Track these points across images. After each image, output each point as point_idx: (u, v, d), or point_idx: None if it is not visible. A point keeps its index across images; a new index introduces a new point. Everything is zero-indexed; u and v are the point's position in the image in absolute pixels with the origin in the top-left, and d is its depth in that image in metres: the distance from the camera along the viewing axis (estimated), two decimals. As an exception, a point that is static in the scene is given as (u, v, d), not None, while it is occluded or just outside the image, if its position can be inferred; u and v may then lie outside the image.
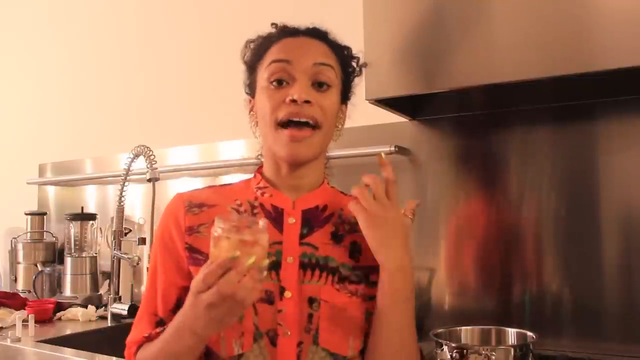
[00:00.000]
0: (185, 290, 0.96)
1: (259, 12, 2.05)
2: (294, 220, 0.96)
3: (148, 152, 1.95)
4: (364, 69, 1.06)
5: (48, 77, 2.91)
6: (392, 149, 1.66)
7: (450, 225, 1.62)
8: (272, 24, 1.02)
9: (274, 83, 0.93)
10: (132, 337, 0.98)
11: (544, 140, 1.50)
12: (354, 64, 1.04)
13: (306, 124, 0.92)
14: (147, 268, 1.97)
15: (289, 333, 0.90)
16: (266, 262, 0.79)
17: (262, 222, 0.80)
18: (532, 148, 1.51)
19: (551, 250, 1.48)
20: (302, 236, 0.96)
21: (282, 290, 0.91)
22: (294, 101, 0.90)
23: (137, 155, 2.02)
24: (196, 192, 1.02)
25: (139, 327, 0.98)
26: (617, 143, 1.42)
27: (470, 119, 1.60)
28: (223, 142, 2.14)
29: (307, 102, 0.91)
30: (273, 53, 0.96)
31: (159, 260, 0.99)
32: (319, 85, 0.94)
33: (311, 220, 0.98)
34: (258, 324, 0.90)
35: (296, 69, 0.93)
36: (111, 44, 2.63)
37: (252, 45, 1.02)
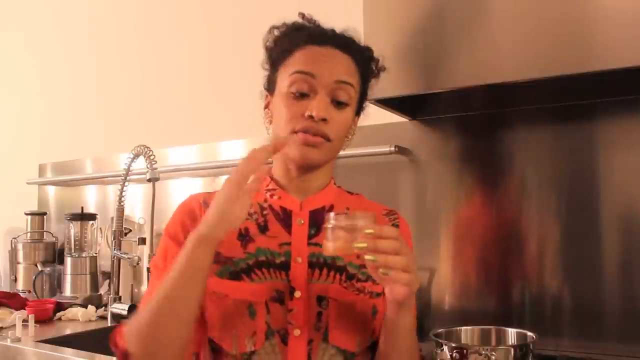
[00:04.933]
0: None
1: (259, 12, 2.05)
2: (303, 222, 0.98)
3: (148, 152, 1.95)
4: (381, 72, 1.06)
5: (48, 77, 2.91)
6: (392, 149, 1.66)
7: (450, 225, 1.62)
8: (300, 13, 1.02)
9: (295, 93, 0.94)
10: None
11: (544, 140, 1.50)
12: (373, 66, 1.04)
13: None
14: (148, 268, 1.97)
15: (300, 332, 0.91)
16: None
17: None
18: (532, 148, 1.51)
19: (551, 250, 1.48)
20: (310, 236, 0.97)
21: (291, 290, 0.93)
22: (311, 117, 0.92)
23: (137, 155, 2.02)
24: (209, 193, 1.03)
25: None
26: (617, 143, 1.42)
27: (471, 119, 1.60)
28: (223, 142, 2.14)
29: (323, 119, 0.92)
30: (298, 60, 0.96)
31: (169, 252, 0.97)
32: (338, 103, 0.95)
33: (319, 220, 0.98)
34: (270, 323, 0.91)
35: (319, 83, 0.93)
36: (111, 44, 2.63)
37: (276, 33, 1.02)
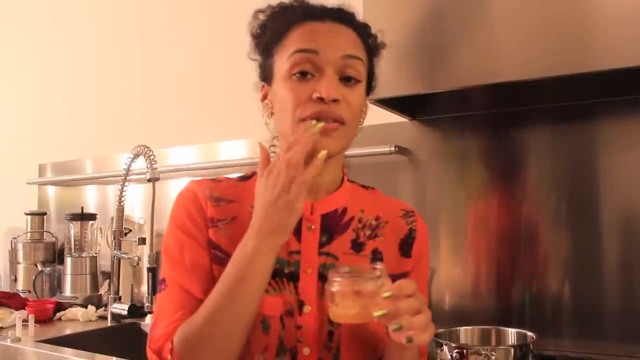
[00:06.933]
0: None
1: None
2: (313, 227, 0.89)
3: (148, 152, 1.95)
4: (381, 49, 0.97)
5: (48, 77, 2.91)
6: (392, 149, 1.66)
7: (450, 225, 1.62)
8: None
9: (297, 75, 0.84)
10: (157, 332, 0.84)
11: (544, 140, 1.50)
12: (375, 42, 0.95)
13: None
14: (148, 268, 1.96)
15: (309, 350, 0.84)
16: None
17: None
18: (532, 148, 1.51)
19: (551, 250, 1.48)
20: (321, 245, 0.89)
21: (300, 304, 0.85)
22: (320, 99, 0.82)
23: (137, 155, 2.02)
24: (213, 183, 0.93)
25: (163, 321, 0.84)
26: (617, 143, 1.41)
27: (471, 119, 1.60)
28: (223, 142, 2.14)
29: (334, 100, 0.82)
30: (296, 39, 0.85)
31: (184, 245, 0.88)
32: (347, 80, 0.85)
33: (331, 226, 0.91)
34: (283, 339, 0.85)
35: (323, 60, 0.83)
36: (111, 43, 2.63)
37: (262, 17, 0.93)
